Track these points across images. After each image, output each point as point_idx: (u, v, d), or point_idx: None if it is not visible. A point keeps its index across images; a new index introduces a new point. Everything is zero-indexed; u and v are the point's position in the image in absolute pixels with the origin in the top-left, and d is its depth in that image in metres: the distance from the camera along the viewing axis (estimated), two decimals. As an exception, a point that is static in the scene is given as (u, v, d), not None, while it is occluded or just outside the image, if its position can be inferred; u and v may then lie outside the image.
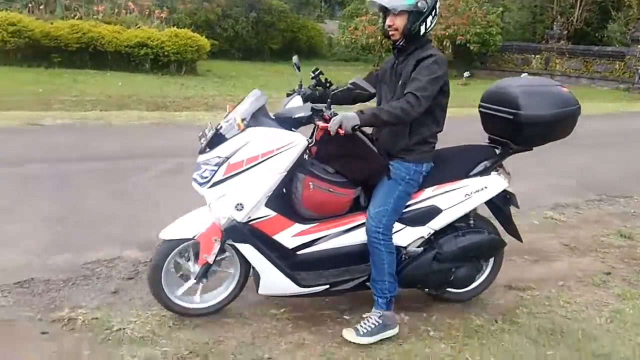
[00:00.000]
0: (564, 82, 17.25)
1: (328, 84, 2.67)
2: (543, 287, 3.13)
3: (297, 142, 2.32)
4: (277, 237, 2.42)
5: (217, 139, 2.31)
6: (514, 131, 2.58)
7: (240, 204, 2.31)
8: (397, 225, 2.48)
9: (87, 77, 10.65)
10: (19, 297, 2.63)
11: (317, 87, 2.67)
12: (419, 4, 2.27)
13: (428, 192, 2.53)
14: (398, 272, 2.50)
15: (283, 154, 2.31)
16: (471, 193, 2.59)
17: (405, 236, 2.53)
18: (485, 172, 2.63)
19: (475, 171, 2.62)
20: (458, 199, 2.57)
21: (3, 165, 4.63)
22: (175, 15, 15.77)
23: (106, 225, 3.53)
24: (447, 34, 16.42)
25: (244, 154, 2.29)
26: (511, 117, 2.52)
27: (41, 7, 12.60)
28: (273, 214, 2.39)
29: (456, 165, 2.63)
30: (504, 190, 2.71)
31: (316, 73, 2.64)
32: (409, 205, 2.50)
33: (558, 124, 2.59)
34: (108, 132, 6.52)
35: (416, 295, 2.81)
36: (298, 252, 2.46)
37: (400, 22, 2.31)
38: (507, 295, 3.02)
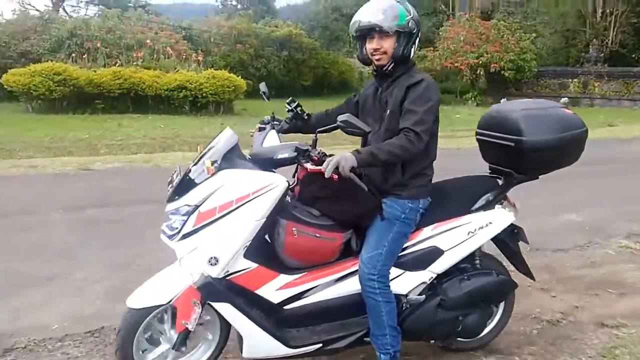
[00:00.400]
0: (605, 105, 17.33)
1: (306, 116, 2.46)
2: (638, 325, 2.89)
3: (275, 184, 2.05)
4: (260, 292, 2.13)
5: (186, 185, 2.05)
6: (516, 159, 2.33)
7: (215, 258, 2.02)
8: (394, 271, 2.19)
9: (130, 121, 10.92)
10: (91, 347, 2.57)
11: (294, 120, 2.45)
12: (409, 24, 2.09)
13: (427, 231, 2.26)
14: (400, 323, 2.21)
15: (260, 198, 2.03)
16: (475, 230, 2.30)
17: (405, 282, 2.24)
18: (488, 205, 2.36)
19: (477, 205, 2.35)
20: (461, 237, 2.28)
21: (66, 210, 4.69)
22: (209, 57, 16.21)
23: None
24: (480, 62, 16.36)
25: (215, 200, 2.02)
26: (513, 144, 2.26)
27: (84, 56, 13.11)
28: (254, 265, 2.11)
29: (456, 199, 2.36)
30: (511, 225, 2.43)
31: (292, 106, 2.42)
32: (406, 248, 2.23)
33: (564, 149, 2.33)
34: (156, 174, 6.58)
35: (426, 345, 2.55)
36: (285, 307, 2.17)
37: (389, 44, 2.09)
38: (600, 334, 2.79)
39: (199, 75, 12.48)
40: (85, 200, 5.06)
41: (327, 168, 1.89)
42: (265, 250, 2.14)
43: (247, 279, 2.10)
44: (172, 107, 12.29)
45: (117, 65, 12.75)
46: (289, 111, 2.44)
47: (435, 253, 2.25)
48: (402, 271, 2.22)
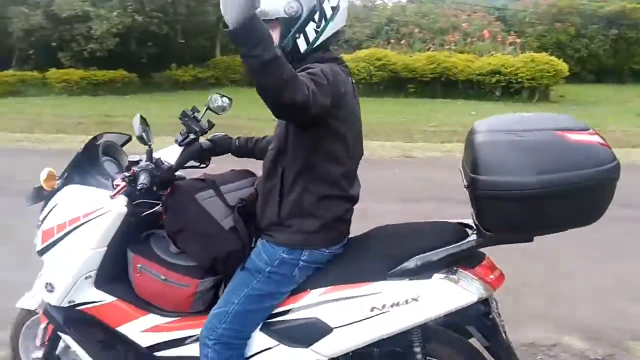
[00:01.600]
0: None
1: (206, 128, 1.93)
2: None
3: (107, 208, 1.75)
4: (122, 330, 1.82)
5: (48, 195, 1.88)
6: (475, 206, 1.49)
7: (50, 285, 1.82)
8: (263, 340, 1.65)
9: (440, 107, 10.91)
10: None
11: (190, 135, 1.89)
12: (286, 9, 1.52)
13: (314, 295, 1.61)
14: None
15: (92, 223, 1.77)
16: (383, 307, 1.54)
17: (280, 358, 1.65)
18: (420, 271, 1.54)
19: (400, 269, 1.55)
20: (359, 313, 1.55)
21: (400, 201, 4.73)
22: (522, 39, 15.09)
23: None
24: None
25: (52, 220, 1.82)
26: (466, 184, 1.49)
27: (401, 42, 13.69)
28: (110, 298, 1.83)
29: (373, 256, 1.62)
30: (481, 312, 1.56)
31: (187, 115, 1.87)
32: (284, 312, 1.64)
33: (558, 200, 1.37)
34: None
35: None
36: (157, 354, 1.78)
37: (275, 35, 1.53)
38: None
39: (515, 58, 11.66)
40: (419, 192, 5.04)
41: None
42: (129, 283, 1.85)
43: (103, 312, 1.84)
44: (481, 93, 11.84)
45: (430, 49, 12.92)
46: (183, 123, 1.89)
47: (318, 328, 1.60)
48: (277, 343, 1.65)
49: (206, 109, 1.96)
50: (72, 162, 1.94)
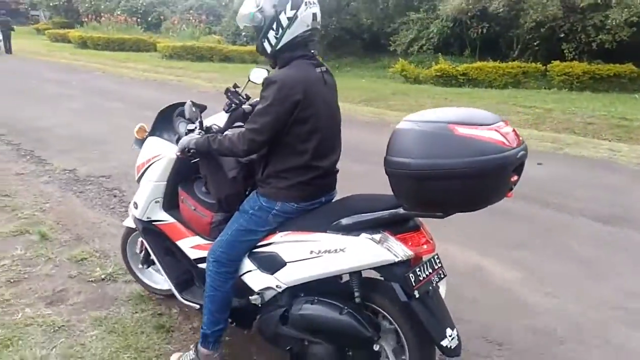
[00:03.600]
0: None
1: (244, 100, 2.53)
2: None
3: (163, 154, 2.57)
4: (179, 244, 2.59)
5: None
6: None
7: (135, 203, 2.71)
8: (248, 264, 2.24)
9: None
10: None
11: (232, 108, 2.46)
12: (254, 19, 2.05)
13: (277, 237, 2.16)
14: (254, 318, 2.30)
15: (154, 165, 2.62)
16: (319, 252, 1.99)
17: (255, 280, 2.24)
18: (350, 229, 1.96)
19: (337, 225, 1.99)
20: (302, 254, 2.05)
21: None
22: None
23: None
24: None
25: (140, 158, 2.71)
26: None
27: None
28: (171, 220, 2.63)
29: (322, 213, 2.11)
30: (401, 273, 1.86)
31: (231, 91, 2.46)
32: (260, 246, 2.20)
33: (440, 182, 1.64)
34: None
35: None
36: (198, 265, 2.47)
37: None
38: None
39: None
40: None
41: (178, 147, 2.30)
42: None
43: (168, 229, 2.65)
44: None
45: None
46: (228, 98, 2.46)
47: (277, 261, 2.14)
48: (255, 268, 2.23)
49: (248, 81, 2.47)
50: (155, 120, 2.69)
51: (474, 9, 13.63)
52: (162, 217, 2.66)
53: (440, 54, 14.84)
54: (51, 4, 34.56)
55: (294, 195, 2.10)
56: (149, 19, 29.26)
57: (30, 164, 5.67)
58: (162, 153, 2.55)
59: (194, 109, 2.36)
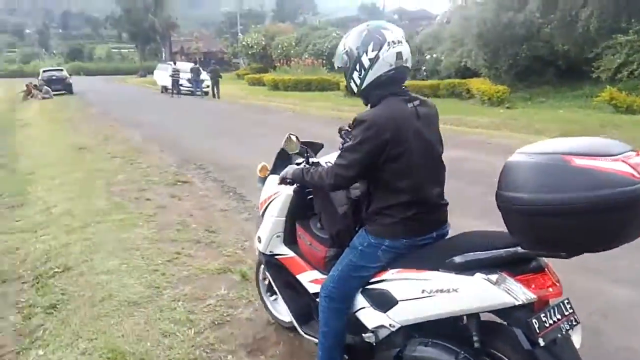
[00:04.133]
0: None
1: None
2: None
3: (282, 191, 2.68)
4: (299, 278, 2.63)
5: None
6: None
7: (259, 237, 2.85)
8: (361, 301, 2.20)
9: None
10: None
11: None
12: (342, 60, 2.13)
13: (389, 273, 2.09)
14: (368, 357, 2.24)
15: (274, 201, 2.75)
16: (431, 291, 1.88)
17: (368, 317, 2.18)
18: (464, 268, 1.81)
19: (450, 264, 1.86)
20: (414, 292, 1.94)
21: None
22: None
23: None
24: None
25: (262, 195, 2.89)
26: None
27: None
28: (291, 254, 2.70)
29: (435, 250, 2.02)
30: (523, 318, 1.69)
31: (345, 130, 2.58)
32: (372, 283, 2.15)
33: (557, 218, 1.51)
34: None
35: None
36: (316, 300, 2.36)
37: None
38: None
39: None
40: None
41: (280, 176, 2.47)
42: None
43: (289, 263, 2.73)
44: None
45: None
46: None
47: (389, 298, 2.06)
48: (368, 305, 2.17)
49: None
50: (275, 159, 2.86)
51: None
52: (283, 251, 2.77)
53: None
54: (249, 52, 38.76)
55: (400, 231, 2.08)
56: (333, 60, 30.75)
57: (232, 201, 6.00)
58: (280, 190, 2.67)
59: (292, 141, 2.65)
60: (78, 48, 69.38)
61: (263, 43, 37.18)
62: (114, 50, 70.89)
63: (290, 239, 2.75)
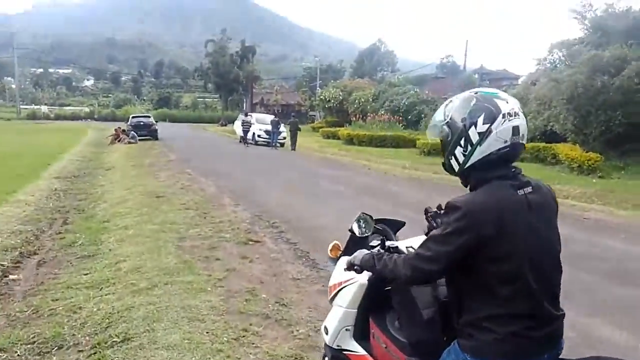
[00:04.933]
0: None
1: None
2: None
3: (355, 278, 2.23)
4: None
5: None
6: None
7: (326, 328, 2.41)
8: None
9: None
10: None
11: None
12: (442, 132, 1.78)
13: None
14: None
15: (346, 289, 2.31)
16: None
17: None
18: None
19: None
20: None
21: None
22: None
23: None
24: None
25: (332, 280, 2.45)
26: None
27: None
28: (362, 351, 2.27)
29: None
30: None
31: (431, 212, 2.15)
32: None
33: None
34: None
35: None
36: None
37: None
38: None
39: None
40: None
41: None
42: None
43: None
44: None
45: None
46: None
47: None
48: None
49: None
50: (349, 238, 2.42)
51: None
52: (353, 347, 2.35)
53: None
54: (326, 106, 39.51)
55: (506, 351, 1.65)
56: (409, 117, 30.66)
57: (305, 268, 5.60)
58: (354, 277, 2.24)
59: (365, 223, 2.30)
60: (167, 96, 74.09)
61: (340, 97, 37.79)
62: (199, 99, 75.05)
63: (361, 335, 2.33)
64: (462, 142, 1.70)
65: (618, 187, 11.87)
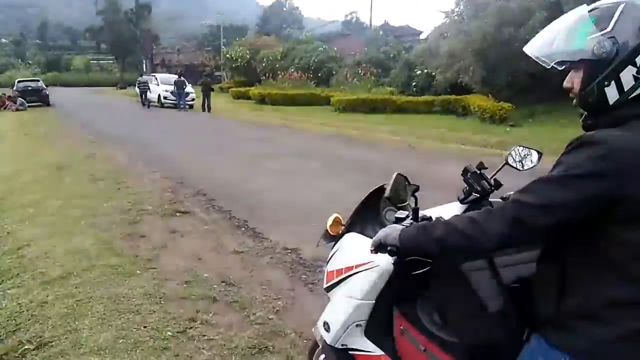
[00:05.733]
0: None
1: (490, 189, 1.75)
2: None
3: (376, 263, 1.71)
4: None
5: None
6: None
7: (327, 324, 1.94)
8: None
9: None
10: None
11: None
12: (594, 48, 1.20)
13: None
14: None
15: (360, 276, 1.79)
16: None
17: None
18: None
19: None
20: None
21: None
22: None
23: None
24: None
25: (334, 263, 1.95)
26: None
27: None
28: (378, 351, 1.81)
29: None
30: None
31: (469, 171, 1.75)
32: None
33: None
34: None
35: None
36: None
37: (577, 79, 1.27)
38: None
39: None
40: None
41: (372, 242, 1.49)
42: None
43: None
44: None
45: None
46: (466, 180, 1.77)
47: None
48: None
49: (504, 164, 1.82)
50: (355, 210, 1.96)
51: None
52: (365, 346, 1.86)
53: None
54: (233, 66, 37.82)
55: (628, 351, 1.16)
56: (320, 74, 30.25)
57: (247, 239, 5.02)
58: (374, 260, 1.73)
59: (404, 186, 1.74)
60: (55, 59, 67.50)
61: (248, 56, 36.32)
62: (92, 61, 69.16)
63: (376, 330, 1.84)
64: (638, 62, 1.18)
65: (531, 136, 12.33)
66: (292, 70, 30.37)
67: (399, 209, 1.76)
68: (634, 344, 1.16)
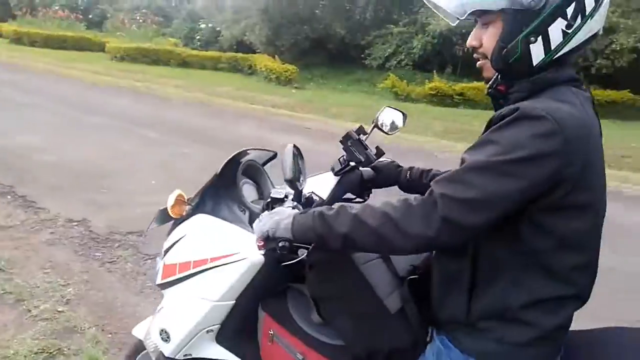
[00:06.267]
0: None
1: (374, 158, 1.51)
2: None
3: (242, 255, 1.36)
4: None
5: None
6: None
7: (165, 332, 1.50)
8: None
9: None
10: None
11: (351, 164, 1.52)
12: None
13: None
14: None
15: (220, 271, 1.40)
16: None
17: None
18: None
19: None
20: None
21: None
22: None
23: None
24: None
25: (176, 255, 1.50)
26: None
27: None
28: (235, 359, 1.48)
29: None
30: None
31: (352, 138, 1.48)
32: None
33: None
34: None
35: None
36: None
37: (488, 37, 1.08)
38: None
39: None
40: None
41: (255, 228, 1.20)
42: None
43: None
44: None
45: None
46: (344, 148, 1.50)
47: None
48: None
49: (373, 127, 1.62)
50: (206, 184, 1.58)
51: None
52: (215, 354, 1.53)
53: (417, 70, 14.40)
54: (-24, -6, 31.06)
55: (541, 353, 1.10)
56: (91, 16, 26.98)
57: (16, 209, 4.16)
58: (240, 252, 1.40)
59: (293, 162, 1.32)
60: None
61: (-5, -15, 30.09)
62: None
63: (234, 335, 1.52)
64: (569, 12, 1.01)
65: (316, 99, 13.02)
66: (57, 7, 26.33)
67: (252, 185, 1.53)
68: (549, 343, 1.09)
